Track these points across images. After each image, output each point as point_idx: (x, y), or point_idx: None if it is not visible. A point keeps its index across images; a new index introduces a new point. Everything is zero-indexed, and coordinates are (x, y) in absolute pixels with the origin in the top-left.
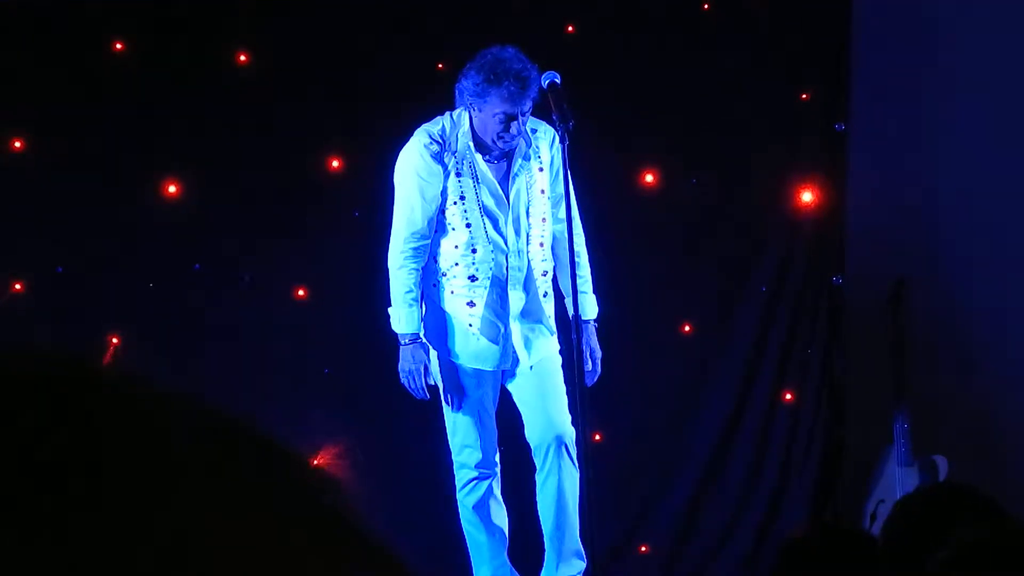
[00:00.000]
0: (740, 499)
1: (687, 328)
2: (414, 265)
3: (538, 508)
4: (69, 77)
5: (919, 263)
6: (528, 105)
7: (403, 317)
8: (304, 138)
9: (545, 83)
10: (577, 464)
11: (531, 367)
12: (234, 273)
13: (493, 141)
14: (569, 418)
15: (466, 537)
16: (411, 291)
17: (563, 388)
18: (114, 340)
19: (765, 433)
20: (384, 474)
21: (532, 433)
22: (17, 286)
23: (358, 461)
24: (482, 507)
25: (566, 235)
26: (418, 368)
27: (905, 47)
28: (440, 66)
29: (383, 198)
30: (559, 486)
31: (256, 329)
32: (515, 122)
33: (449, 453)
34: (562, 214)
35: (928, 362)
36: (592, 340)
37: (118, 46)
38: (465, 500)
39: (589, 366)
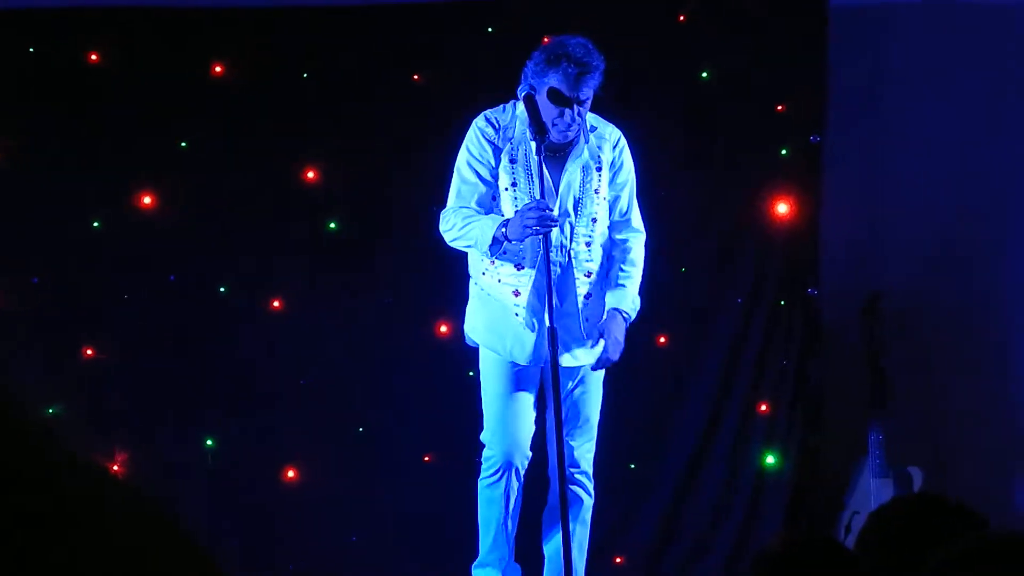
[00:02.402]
0: (715, 510)
1: (663, 340)
2: (461, 208)
3: (542, 532)
4: (43, 89)
5: (893, 275)
6: (587, 93)
7: (482, 229)
8: (279, 149)
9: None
10: (592, 493)
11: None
12: (208, 284)
13: (549, 130)
14: (592, 440)
15: (478, 512)
16: (468, 216)
17: (595, 410)
18: (88, 351)
19: (740, 444)
20: (359, 485)
21: (551, 450)
22: None
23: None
24: (493, 501)
25: (621, 239)
26: (523, 213)
27: (880, 61)
28: (416, 78)
29: (359, 208)
30: (565, 518)
31: (231, 340)
32: (570, 109)
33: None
34: (617, 218)
35: (902, 374)
36: (612, 325)
37: (93, 57)
38: (483, 488)
39: (599, 346)
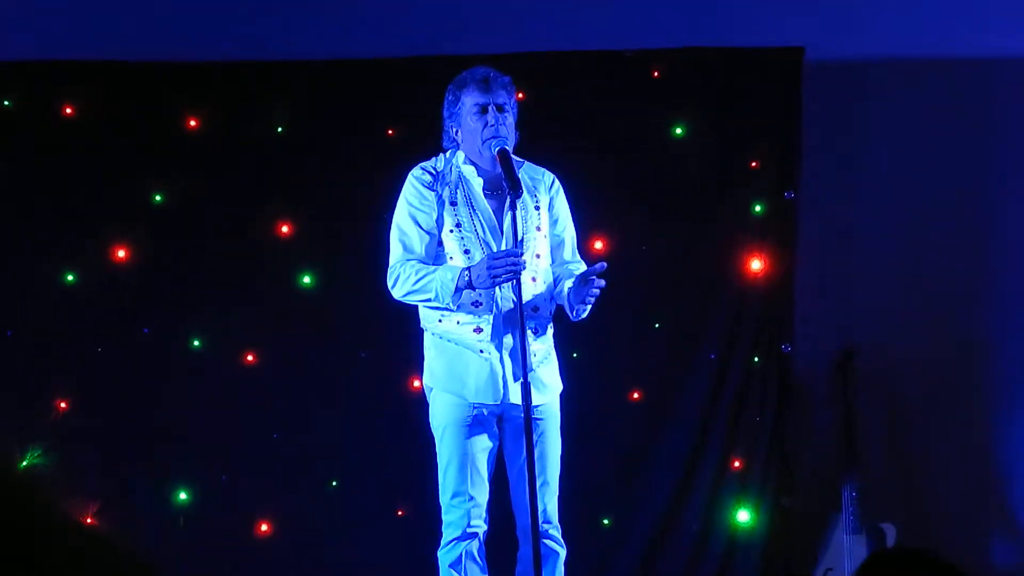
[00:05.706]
0: (689, 566)
1: (636, 395)
2: (409, 262)
3: None
4: (18, 142)
5: (867, 332)
6: (502, 96)
7: (442, 281)
8: (254, 203)
9: (495, 150)
10: (563, 543)
11: (520, 419)
12: (182, 337)
13: (480, 150)
14: (556, 490)
15: None
16: (421, 269)
17: (557, 459)
18: (62, 404)
19: (714, 500)
20: (332, 539)
21: (516, 507)
22: None
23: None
24: (457, 566)
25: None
26: (490, 263)
27: (854, 117)
28: (390, 132)
29: (333, 263)
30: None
31: (205, 393)
32: (491, 111)
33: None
34: (562, 261)
35: (876, 430)
36: (579, 283)
37: (68, 111)
38: (443, 558)
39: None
